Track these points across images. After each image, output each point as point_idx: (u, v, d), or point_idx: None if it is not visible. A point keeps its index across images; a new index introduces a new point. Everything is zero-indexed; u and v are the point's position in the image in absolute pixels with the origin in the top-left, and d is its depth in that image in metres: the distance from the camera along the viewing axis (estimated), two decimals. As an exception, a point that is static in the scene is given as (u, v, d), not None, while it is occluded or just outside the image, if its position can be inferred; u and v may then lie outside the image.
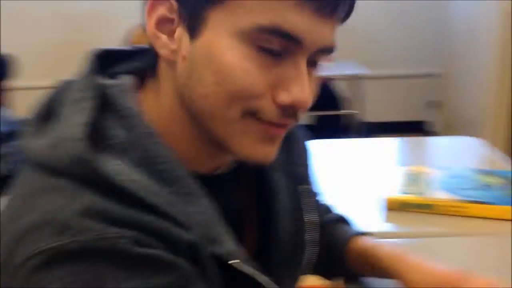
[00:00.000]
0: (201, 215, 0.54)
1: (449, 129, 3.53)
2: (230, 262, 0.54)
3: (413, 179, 1.28)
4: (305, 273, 0.76)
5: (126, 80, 0.59)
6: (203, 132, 0.57)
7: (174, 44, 0.55)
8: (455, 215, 1.15)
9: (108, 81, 0.58)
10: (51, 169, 0.52)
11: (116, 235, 0.47)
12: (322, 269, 0.86)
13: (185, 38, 0.54)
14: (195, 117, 0.56)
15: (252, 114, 0.54)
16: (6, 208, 0.54)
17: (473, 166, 1.41)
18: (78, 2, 3.71)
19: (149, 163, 0.54)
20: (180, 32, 0.54)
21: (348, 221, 0.90)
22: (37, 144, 0.54)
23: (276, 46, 0.52)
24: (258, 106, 0.54)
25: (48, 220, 0.48)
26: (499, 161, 1.51)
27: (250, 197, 0.68)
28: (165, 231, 0.50)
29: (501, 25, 2.78)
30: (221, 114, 0.54)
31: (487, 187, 1.23)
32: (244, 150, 0.56)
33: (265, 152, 0.57)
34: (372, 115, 3.70)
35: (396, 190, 1.22)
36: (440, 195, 1.19)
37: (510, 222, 1.10)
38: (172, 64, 0.56)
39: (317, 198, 0.78)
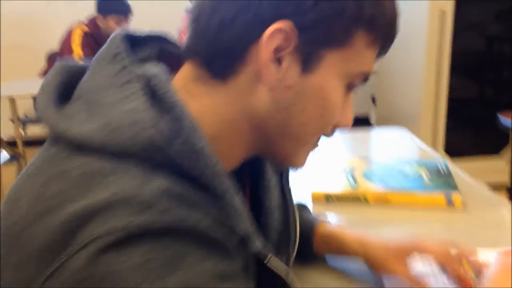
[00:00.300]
0: (238, 213, 0.56)
1: (385, 123, 3.67)
2: (265, 261, 0.60)
3: (346, 172, 1.35)
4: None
5: (162, 68, 0.57)
6: (258, 145, 0.61)
7: (281, 73, 0.56)
8: (385, 205, 1.21)
9: (147, 67, 0.57)
10: (108, 152, 0.51)
11: (197, 218, 0.49)
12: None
13: (295, 69, 0.56)
14: (265, 135, 0.60)
15: (320, 137, 0.63)
16: (35, 194, 0.51)
17: (404, 157, 1.48)
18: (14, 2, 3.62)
19: (193, 159, 0.54)
20: (290, 62, 0.56)
21: (308, 209, 0.98)
22: (83, 128, 0.53)
23: (357, 84, 0.61)
24: (327, 132, 0.62)
25: (125, 198, 0.47)
26: (428, 152, 1.60)
27: (245, 193, 0.70)
28: (227, 226, 0.53)
29: (431, 25, 2.92)
30: (309, 139, 0.62)
31: (415, 176, 1.31)
32: (298, 161, 0.64)
33: (306, 161, 0.65)
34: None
35: (328, 184, 1.27)
36: (370, 186, 1.25)
37: (438, 209, 1.17)
38: (263, 87, 0.57)
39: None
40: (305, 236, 0.90)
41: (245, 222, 0.56)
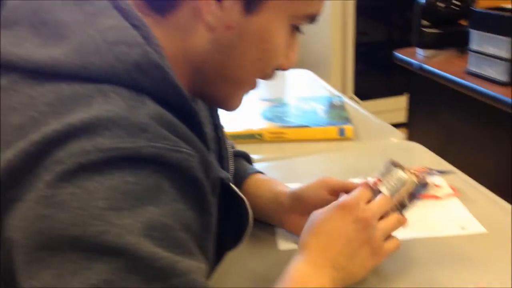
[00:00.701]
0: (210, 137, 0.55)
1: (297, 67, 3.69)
2: (231, 185, 0.61)
3: (246, 112, 1.33)
4: None
5: None
6: (197, 85, 0.58)
7: (222, 12, 0.52)
8: (280, 141, 1.21)
9: None
10: (82, 77, 0.46)
11: (188, 151, 0.46)
12: None
13: (237, 9, 0.52)
14: (204, 76, 0.57)
15: (259, 79, 0.60)
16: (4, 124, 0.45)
17: (301, 95, 1.49)
18: None
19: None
20: (233, 2, 0.52)
21: (248, 157, 0.92)
22: (45, 52, 0.47)
23: (302, 26, 0.59)
24: (266, 74, 0.60)
25: (112, 120, 0.43)
26: (329, 91, 1.61)
27: None
28: (208, 160, 0.50)
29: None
30: (248, 82, 0.59)
31: (311, 112, 1.31)
32: (235, 103, 0.62)
33: (242, 101, 0.63)
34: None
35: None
36: (266, 124, 1.24)
37: (332, 141, 1.19)
38: (202, 26, 0.53)
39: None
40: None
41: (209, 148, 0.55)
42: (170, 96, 0.49)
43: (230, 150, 0.87)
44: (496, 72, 1.45)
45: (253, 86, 0.62)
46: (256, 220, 0.82)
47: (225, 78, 0.58)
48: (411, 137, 1.98)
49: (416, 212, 0.87)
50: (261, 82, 0.62)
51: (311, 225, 0.67)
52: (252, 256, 0.79)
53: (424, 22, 1.77)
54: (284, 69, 0.61)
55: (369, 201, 0.68)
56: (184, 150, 0.46)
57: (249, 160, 0.93)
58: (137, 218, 0.41)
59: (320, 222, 0.66)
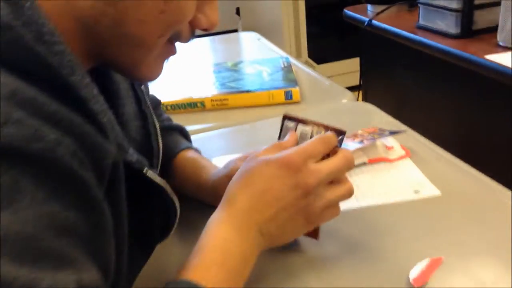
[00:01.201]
0: (105, 115, 0.45)
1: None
2: (144, 171, 0.52)
3: (185, 80, 1.24)
4: None
5: None
6: (95, 50, 0.49)
7: None
8: (222, 109, 1.13)
9: None
10: None
11: (54, 139, 0.37)
12: None
13: None
14: (100, 37, 0.47)
15: (172, 39, 0.52)
16: None
17: (250, 58, 1.41)
18: None
19: (44, 42, 0.41)
20: None
21: (183, 131, 0.84)
22: None
23: None
24: (181, 30, 0.51)
25: None
26: (277, 53, 1.53)
27: None
28: (94, 144, 0.42)
29: None
30: (152, 41, 0.49)
31: (255, 76, 1.23)
32: (149, 71, 0.53)
33: (161, 71, 0.55)
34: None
35: (163, 93, 1.15)
36: (208, 91, 1.16)
37: (278, 105, 1.11)
38: None
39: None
40: (164, 162, 0.77)
41: (114, 129, 0.47)
42: (32, 65, 0.39)
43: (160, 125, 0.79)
44: (447, 24, 1.39)
45: (167, 49, 0.53)
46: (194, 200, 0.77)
47: (124, 38, 0.48)
48: (366, 99, 1.93)
49: (366, 178, 0.81)
50: (183, 46, 0.53)
51: (242, 175, 0.58)
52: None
53: (373, -23, 1.70)
54: (204, 28, 0.53)
55: (323, 158, 0.59)
56: (48, 137, 0.37)
57: (184, 133, 0.85)
58: None
59: (254, 176, 0.57)
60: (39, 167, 0.36)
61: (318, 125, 0.61)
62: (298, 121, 0.63)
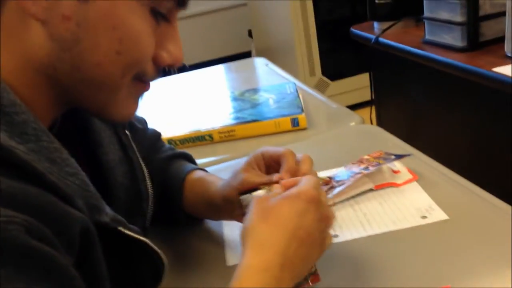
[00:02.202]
0: (76, 178, 0.47)
1: (264, 55, 3.61)
2: (120, 228, 0.51)
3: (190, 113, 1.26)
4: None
5: None
6: (62, 98, 0.51)
7: (47, 1, 0.45)
8: (230, 140, 1.14)
9: None
10: None
11: (4, 219, 0.37)
12: (163, 213, 0.77)
13: None
14: (63, 84, 0.49)
15: (138, 78, 0.53)
16: None
17: (258, 85, 1.42)
18: None
19: (5, 113, 0.43)
20: None
21: (187, 156, 0.85)
22: None
23: (163, 9, 0.51)
24: (144, 69, 0.52)
25: None
26: (285, 77, 1.53)
27: (77, 152, 0.57)
28: (56, 213, 0.42)
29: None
30: (114, 83, 0.50)
31: (262, 104, 1.24)
32: (120, 112, 0.54)
33: (135, 109, 0.56)
34: (193, 57, 3.65)
35: (170, 128, 1.17)
36: (217, 123, 1.17)
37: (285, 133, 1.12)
38: (33, 22, 0.46)
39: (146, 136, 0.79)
40: (174, 189, 0.78)
41: (89, 190, 0.48)
42: None
43: (163, 155, 0.81)
44: (453, 38, 1.38)
45: (138, 87, 0.53)
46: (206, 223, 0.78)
47: (86, 82, 0.49)
48: (379, 113, 1.91)
49: (373, 205, 0.81)
50: (159, 81, 0.54)
51: (266, 214, 0.55)
52: (199, 272, 0.73)
53: (377, -6, 1.70)
54: (168, 64, 0.53)
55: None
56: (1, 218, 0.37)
57: (188, 158, 0.85)
58: None
59: (280, 214, 0.54)
60: None
61: (269, 184, 0.64)
62: (251, 191, 0.64)
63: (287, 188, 0.59)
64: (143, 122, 0.83)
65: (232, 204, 0.68)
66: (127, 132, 0.68)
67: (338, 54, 3.19)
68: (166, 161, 0.81)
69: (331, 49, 3.13)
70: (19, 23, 0.46)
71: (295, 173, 0.64)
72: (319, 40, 3.05)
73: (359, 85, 3.05)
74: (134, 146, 0.68)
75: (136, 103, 0.56)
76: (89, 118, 0.62)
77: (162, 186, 0.77)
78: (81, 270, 0.43)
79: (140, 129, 0.78)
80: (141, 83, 0.54)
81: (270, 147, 0.71)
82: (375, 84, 1.87)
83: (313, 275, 0.60)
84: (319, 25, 3.03)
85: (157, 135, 0.86)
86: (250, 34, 3.85)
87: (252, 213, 0.55)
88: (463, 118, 1.45)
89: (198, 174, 0.79)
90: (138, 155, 0.68)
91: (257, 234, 0.54)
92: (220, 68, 1.80)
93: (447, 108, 1.51)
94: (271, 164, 0.69)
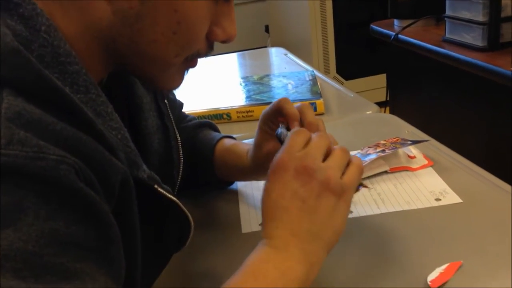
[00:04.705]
0: (119, 133, 0.48)
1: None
2: (155, 186, 0.53)
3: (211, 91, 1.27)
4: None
5: None
6: (115, 65, 0.53)
7: None
8: (248, 120, 1.15)
9: None
10: None
11: (57, 157, 0.38)
12: (193, 178, 0.81)
13: None
14: (118, 54, 0.51)
15: (191, 57, 0.54)
16: None
17: (276, 72, 1.43)
18: None
19: (60, 63, 0.44)
20: None
21: (213, 126, 0.88)
22: None
23: None
24: (198, 49, 0.54)
25: None
26: (303, 67, 1.55)
27: (119, 114, 0.57)
28: (102, 161, 0.43)
29: None
30: (167, 61, 0.52)
31: (279, 89, 1.25)
32: (166, 84, 0.56)
33: (181, 83, 0.57)
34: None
35: (190, 104, 1.19)
36: (233, 103, 1.18)
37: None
38: None
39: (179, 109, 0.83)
40: (205, 157, 0.81)
41: (129, 146, 0.49)
42: (40, 88, 0.41)
43: (190, 124, 0.84)
44: (474, 37, 1.39)
45: (186, 64, 0.55)
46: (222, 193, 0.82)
47: (140, 55, 0.51)
48: (393, 114, 1.92)
49: (388, 186, 0.82)
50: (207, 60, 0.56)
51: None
52: (216, 238, 0.75)
53: (399, -8, 1.71)
54: (221, 40, 0.55)
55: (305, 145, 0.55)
56: (51, 156, 0.38)
57: (214, 128, 0.89)
58: None
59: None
60: (42, 185, 0.37)
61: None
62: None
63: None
64: (171, 91, 0.85)
65: (262, 167, 0.68)
66: (166, 101, 0.69)
67: (354, 55, 3.20)
68: (194, 129, 0.84)
69: (347, 50, 3.14)
70: None
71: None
72: (336, 40, 3.06)
73: (373, 86, 3.06)
74: (171, 115, 0.70)
75: (182, 77, 0.57)
76: (133, 83, 0.64)
77: (192, 153, 0.80)
78: (117, 221, 0.44)
79: (171, 99, 0.80)
80: (191, 61, 0.56)
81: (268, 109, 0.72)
82: (390, 85, 1.88)
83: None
84: (337, 25, 3.04)
85: (180, 103, 0.88)
86: (267, 29, 3.87)
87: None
88: (480, 118, 1.46)
89: (227, 141, 0.83)
90: (174, 124, 0.70)
91: (262, 230, 0.54)
92: (236, 55, 1.81)
93: (463, 106, 1.52)
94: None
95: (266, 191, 0.54)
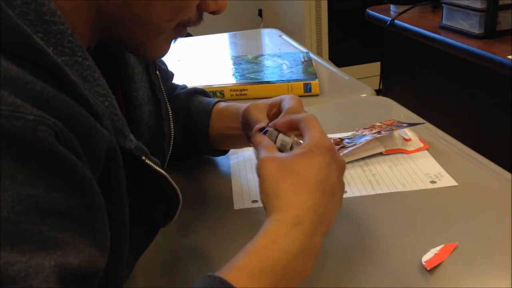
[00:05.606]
0: (106, 100, 0.46)
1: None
2: (143, 158, 0.51)
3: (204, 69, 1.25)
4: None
5: None
6: (104, 30, 0.51)
7: None
8: (241, 98, 1.14)
9: None
10: None
11: (35, 117, 0.35)
12: (188, 145, 0.80)
13: None
14: (109, 18, 0.49)
15: (182, 24, 0.54)
16: None
17: (271, 52, 1.41)
18: None
19: (44, 21, 0.42)
20: None
21: (206, 93, 0.87)
22: None
23: None
24: (189, 16, 0.53)
25: None
26: (297, 48, 1.53)
27: (108, 84, 0.54)
28: (86, 126, 0.40)
29: None
30: (159, 25, 0.51)
31: (273, 68, 1.23)
32: (154, 51, 0.55)
33: (167, 51, 0.57)
34: (200, 31, 3.62)
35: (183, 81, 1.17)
36: (227, 81, 1.16)
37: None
38: None
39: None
40: (200, 123, 0.80)
41: (116, 114, 0.47)
42: (16, 44, 0.38)
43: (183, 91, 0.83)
44: (471, 25, 1.38)
45: (176, 31, 0.54)
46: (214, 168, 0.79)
47: (133, 19, 0.50)
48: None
49: (383, 167, 0.81)
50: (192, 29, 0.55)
51: (278, 173, 0.52)
52: (208, 214, 0.74)
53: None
54: (212, 11, 0.54)
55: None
56: (28, 116, 0.35)
57: (205, 94, 0.87)
58: None
59: (295, 171, 0.52)
60: (19, 147, 0.35)
61: (298, 136, 0.61)
62: (278, 131, 0.63)
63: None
64: (163, 62, 0.83)
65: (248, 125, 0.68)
66: (157, 72, 0.68)
67: (347, 42, 3.18)
68: (188, 95, 0.83)
69: (340, 36, 3.12)
70: None
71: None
72: (330, 26, 3.04)
73: (366, 74, 3.05)
74: (163, 87, 0.68)
75: (169, 45, 0.57)
76: (123, 53, 0.62)
77: (186, 119, 0.79)
78: (103, 191, 0.42)
79: (162, 69, 0.78)
80: (182, 28, 0.55)
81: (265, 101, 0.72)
82: (384, 73, 1.87)
83: None
84: (331, 11, 3.02)
85: (171, 74, 0.87)
86: (260, 13, 3.83)
87: (267, 177, 0.53)
88: (475, 106, 1.46)
89: (222, 104, 0.81)
90: (165, 96, 0.68)
91: (281, 196, 0.51)
92: (229, 35, 1.79)
93: (457, 94, 1.52)
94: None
95: (300, 158, 0.54)
